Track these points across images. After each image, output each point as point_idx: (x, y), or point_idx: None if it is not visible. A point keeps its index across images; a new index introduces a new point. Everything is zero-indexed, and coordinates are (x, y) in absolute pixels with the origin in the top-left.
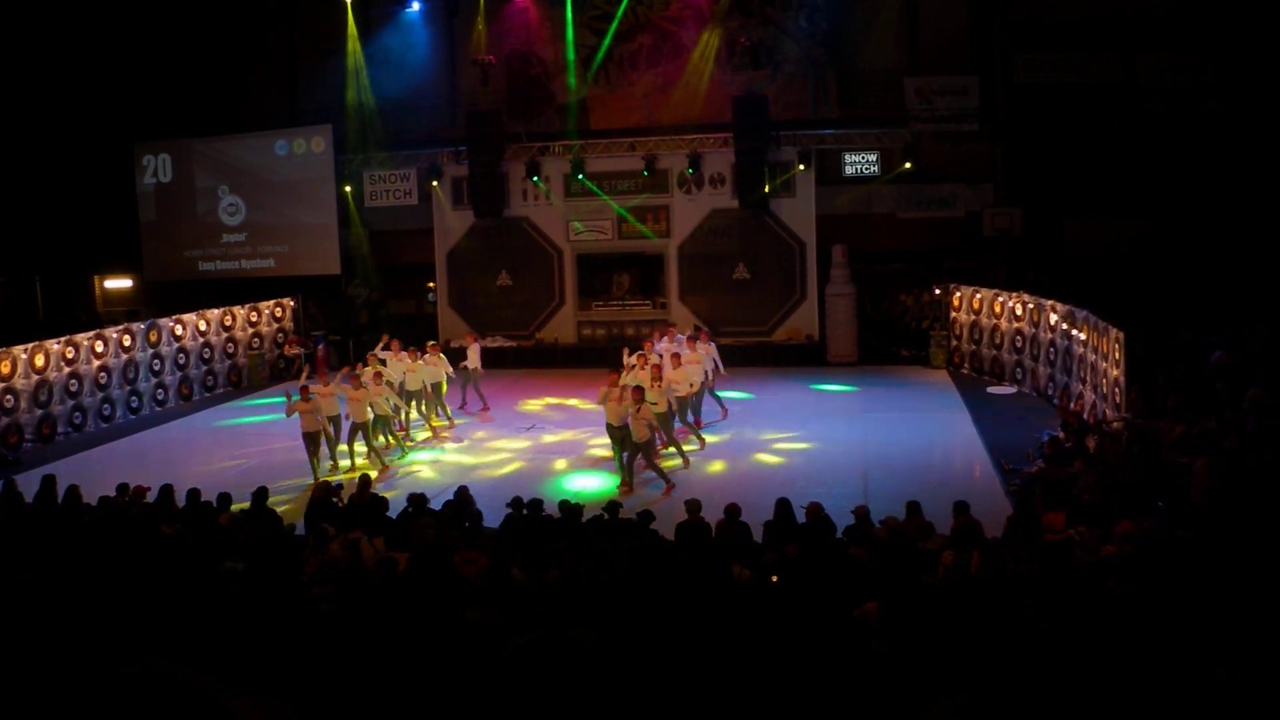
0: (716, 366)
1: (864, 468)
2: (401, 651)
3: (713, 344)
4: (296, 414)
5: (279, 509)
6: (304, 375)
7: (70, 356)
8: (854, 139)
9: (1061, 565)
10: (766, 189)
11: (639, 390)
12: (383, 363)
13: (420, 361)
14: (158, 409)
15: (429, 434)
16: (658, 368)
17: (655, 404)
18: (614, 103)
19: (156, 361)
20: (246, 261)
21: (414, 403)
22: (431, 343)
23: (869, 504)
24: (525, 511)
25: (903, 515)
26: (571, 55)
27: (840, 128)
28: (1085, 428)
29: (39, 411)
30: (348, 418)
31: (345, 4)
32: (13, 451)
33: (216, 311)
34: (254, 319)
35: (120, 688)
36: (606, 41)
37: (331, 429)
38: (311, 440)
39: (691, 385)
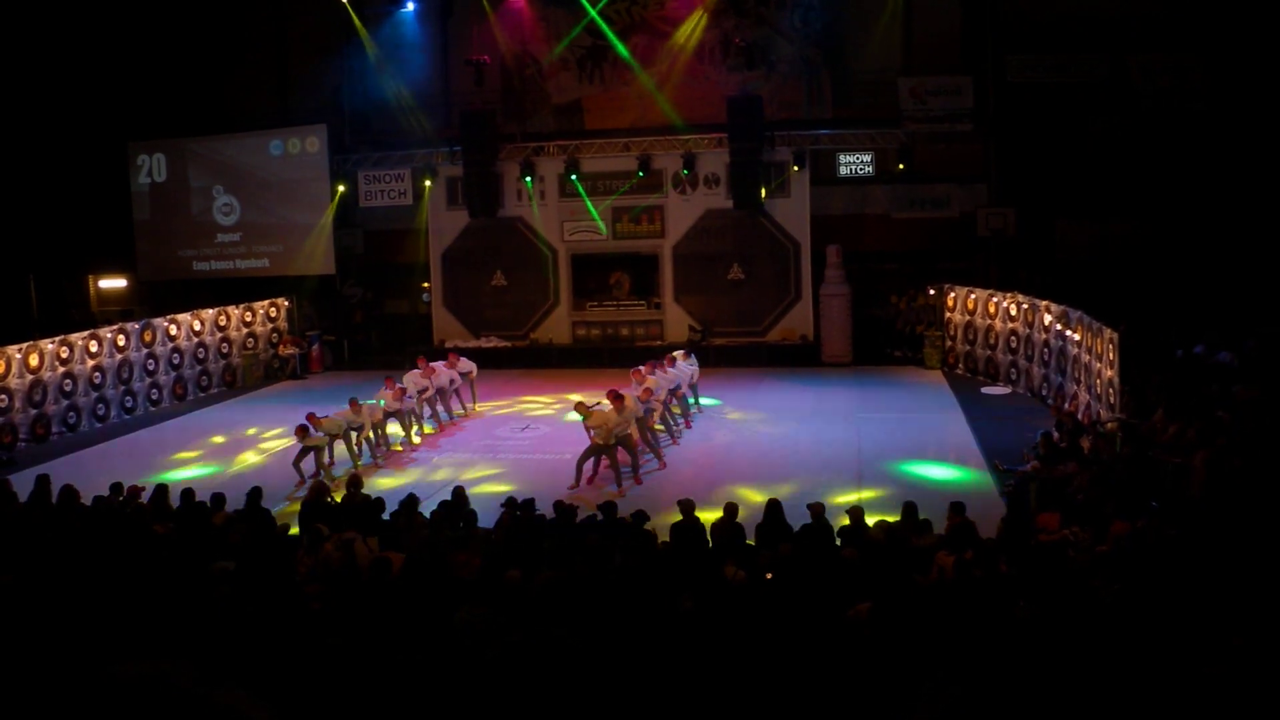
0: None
1: (858, 468)
2: (393, 651)
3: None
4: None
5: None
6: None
7: (65, 356)
8: (848, 139)
9: (1055, 566)
10: (764, 193)
11: (616, 395)
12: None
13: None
14: (152, 409)
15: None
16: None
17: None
18: (608, 103)
19: (151, 361)
20: (241, 261)
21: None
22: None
23: (863, 505)
24: (519, 512)
25: (896, 516)
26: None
27: (834, 128)
28: (1079, 428)
29: (33, 411)
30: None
31: (344, 3)
32: (7, 451)
33: (211, 311)
34: (248, 319)
35: (115, 688)
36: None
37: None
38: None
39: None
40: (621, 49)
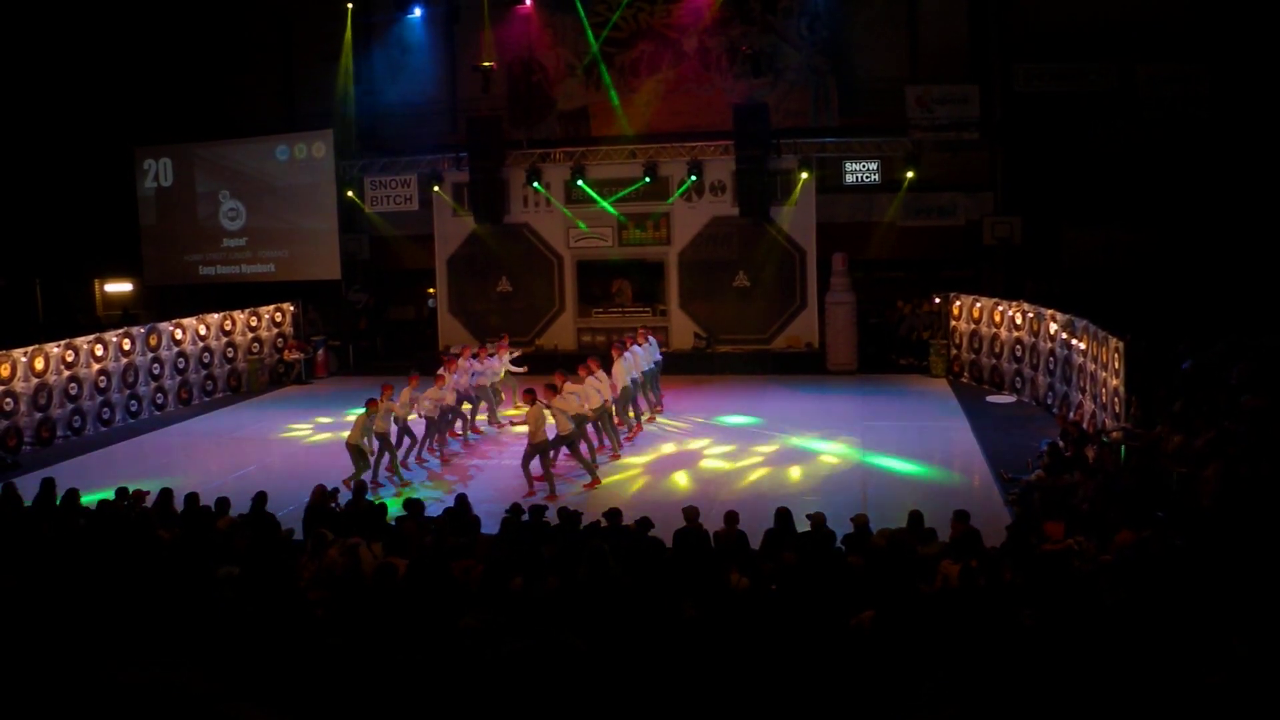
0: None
1: (863, 476)
2: (397, 657)
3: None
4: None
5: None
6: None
7: (70, 360)
8: (854, 147)
9: (1060, 575)
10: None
11: (529, 394)
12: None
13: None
14: (157, 413)
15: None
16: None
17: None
18: (614, 109)
19: (156, 366)
20: (247, 266)
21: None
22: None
23: (868, 513)
24: (524, 517)
25: (901, 525)
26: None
27: (841, 136)
28: (1085, 437)
29: (38, 415)
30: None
31: (346, 9)
32: (11, 454)
33: (216, 316)
34: (254, 324)
35: (123, 694)
36: (597, 45)
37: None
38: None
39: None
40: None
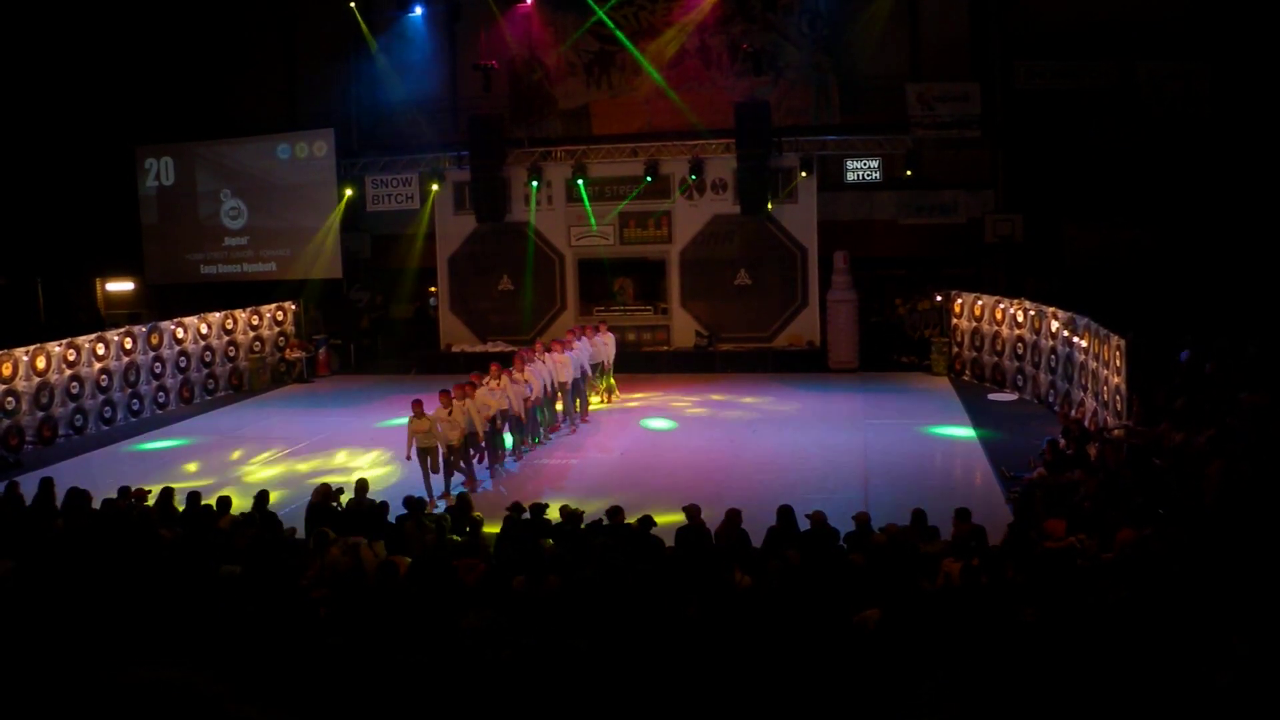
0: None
1: (865, 474)
2: (399, 656)
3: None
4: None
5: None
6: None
7: (71, 359)
8: (856, 145)
9: (1061, 573)
10: (770, 205)
11: (446, 394)
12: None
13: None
14: (159, 412)
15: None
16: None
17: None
18: (616, 108)
19: (158, 365)
20: (248, 265)
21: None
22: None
23: (869, 511)
24: (526, 515)
25: (903, 522)
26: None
27: (842, 134)
28: (1086, 435)
29: (40, 414)
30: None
31: (350, 8)
32: (13, 454)
33: (218, 315)
34: (255, 322)
35: (128, 694)
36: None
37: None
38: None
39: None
40: (632, 49)
